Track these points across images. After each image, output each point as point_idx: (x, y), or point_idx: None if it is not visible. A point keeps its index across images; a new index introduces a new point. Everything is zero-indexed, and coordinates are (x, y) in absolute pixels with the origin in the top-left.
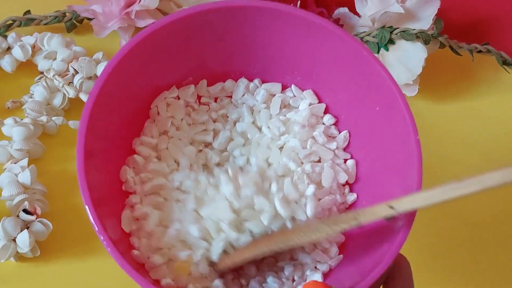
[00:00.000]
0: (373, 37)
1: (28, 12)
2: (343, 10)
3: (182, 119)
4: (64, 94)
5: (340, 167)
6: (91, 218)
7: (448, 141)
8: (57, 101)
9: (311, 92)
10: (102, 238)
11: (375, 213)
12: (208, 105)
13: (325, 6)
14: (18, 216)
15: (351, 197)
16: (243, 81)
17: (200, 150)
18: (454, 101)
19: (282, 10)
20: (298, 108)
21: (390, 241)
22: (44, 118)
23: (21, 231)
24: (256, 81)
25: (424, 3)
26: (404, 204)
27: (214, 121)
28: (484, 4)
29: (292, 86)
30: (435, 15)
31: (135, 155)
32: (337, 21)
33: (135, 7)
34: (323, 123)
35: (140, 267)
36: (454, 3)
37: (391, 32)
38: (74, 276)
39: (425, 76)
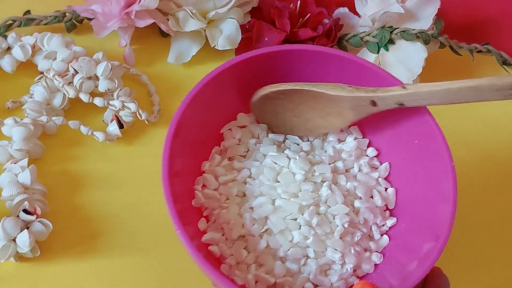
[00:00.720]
0: (373, 37)
1: (28, 12)
2: (343, 10)
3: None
4: (64, 94)
5: (381, 194)
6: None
7: (448, 141)
8: (57, 101)
9: (356, 128)
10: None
11: (390, 90)
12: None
13: (325, 6)
14: (18, 216)
15: (391, 221)
16: None
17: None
18: None
19: (335, 54)
20: (345, 141)
21: (432, 243)
22: (44, 118)
23: (21, 231)
24: None
25: (424, 3)
26: (415, 87)
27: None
28: (484, 4)
29: None
30: (435, 15)
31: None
32: (337, 21)
33: (135, 7)
34: (367, 155)
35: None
36: (454, 3)
37: (391, 32)
38: (74, 276)
39: (425, 76)
